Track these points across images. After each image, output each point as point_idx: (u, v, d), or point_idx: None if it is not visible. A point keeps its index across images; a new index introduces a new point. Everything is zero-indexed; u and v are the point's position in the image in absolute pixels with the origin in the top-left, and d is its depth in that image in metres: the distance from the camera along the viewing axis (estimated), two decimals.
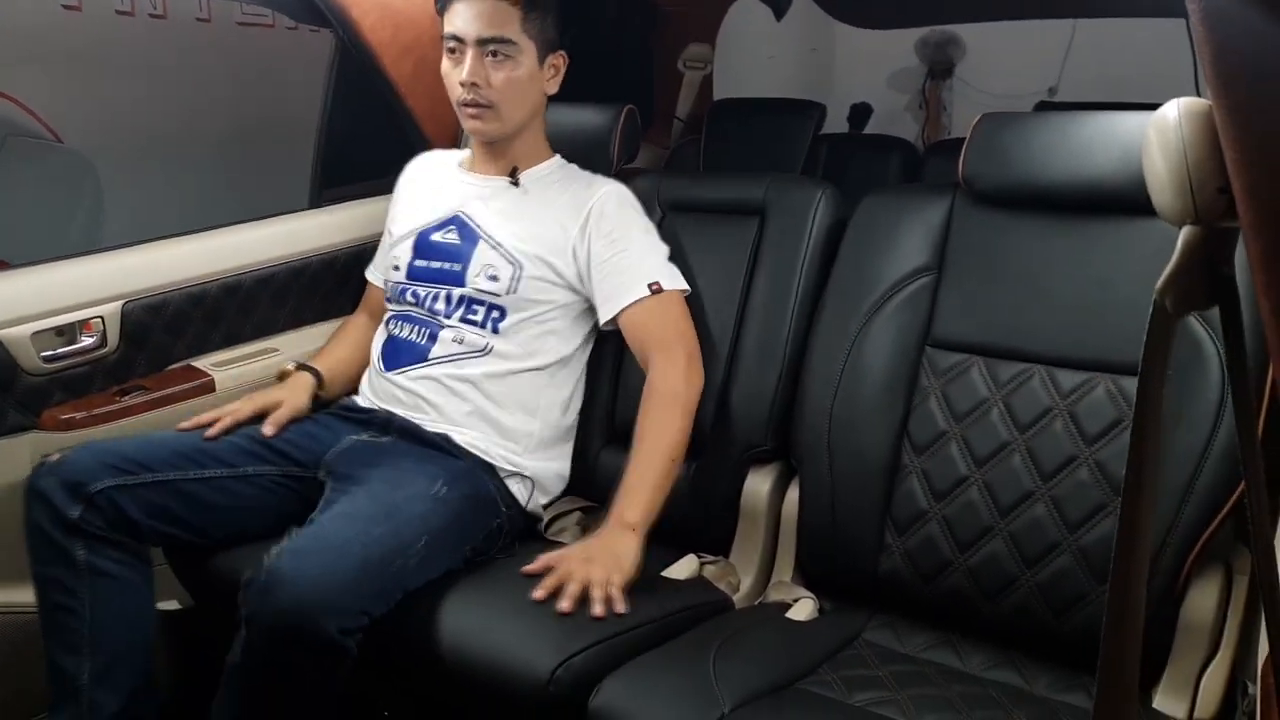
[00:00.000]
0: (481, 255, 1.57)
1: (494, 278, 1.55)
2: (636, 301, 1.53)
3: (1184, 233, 0.53)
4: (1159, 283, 0.53)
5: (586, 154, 1.74)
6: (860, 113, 4.25)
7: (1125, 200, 1.32)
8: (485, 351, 1.55)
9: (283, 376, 1.65)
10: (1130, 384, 1.28)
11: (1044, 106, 2.78)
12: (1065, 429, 1.31)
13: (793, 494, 1.52)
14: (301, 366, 1.64)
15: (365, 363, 1.66)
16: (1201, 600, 1.23)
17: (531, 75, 1.57)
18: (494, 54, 1.52)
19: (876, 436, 1.42)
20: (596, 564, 1.31)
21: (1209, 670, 1.22)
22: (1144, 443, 0.52)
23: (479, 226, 1.60)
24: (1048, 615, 1.28)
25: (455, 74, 1.54)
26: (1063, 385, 1.33)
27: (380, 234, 1.77)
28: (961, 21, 4.04)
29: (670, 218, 1.71)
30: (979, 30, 4.20)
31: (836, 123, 2.86)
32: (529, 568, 1.34)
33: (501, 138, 1.60)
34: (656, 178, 1.77)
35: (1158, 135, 0.53)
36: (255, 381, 1.68)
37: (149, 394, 1.57)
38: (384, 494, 1.34)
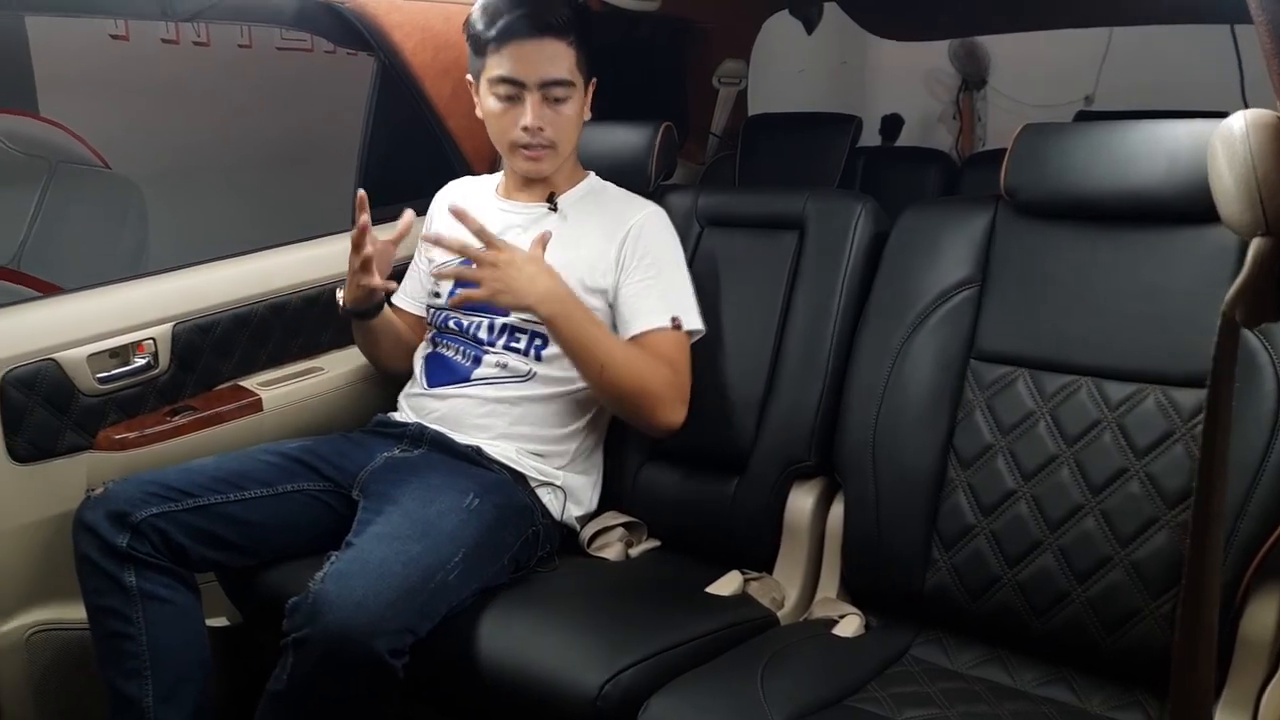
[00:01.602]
0: None
1: None
2: (656, 330, 1.53)
3: (1254, 245, 0.52)
4: (1229, 295, 0.52)
5: (624, 172, 1.75)
6: (892, 124, 4.23)
7: (1171, 209, 1.31)
8: (528, 377, 1.56)
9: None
10: (1181, 395, 1.26)
11: (1084, 116, 2.76)
12: (1114, 441, 1.29)
13: (837, 509, 1.51)
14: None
15: (401, 347, 1.69)
16: (1261, 616, 1.20)
17: (582, 108, 1.60)
18: (554, 95, 1.54)
19: (921, 450, 1.40)
20: (508, 277, 1.40)
21: (1270, 687, 1.19)
22: (1214, 456, 0.51)
23: None
24: (1100, 631, 1.26)
25: (510, 117, 1.55)
26: (1111, 397, 1.31)
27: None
28: (995, 32, 4.01)
29: (709, 232, 1.72)
30: (1012, 39, 4.17)
31: (868, 134, 2.85)
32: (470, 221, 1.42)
33: (554, 172, 1.63)
34: (694, 193, 1.78)
35: (1224, 147, 0.52)
36: (301, 400, 1.71)
37: (197, 413, 1.60)
38: (417, 511, 1.35)
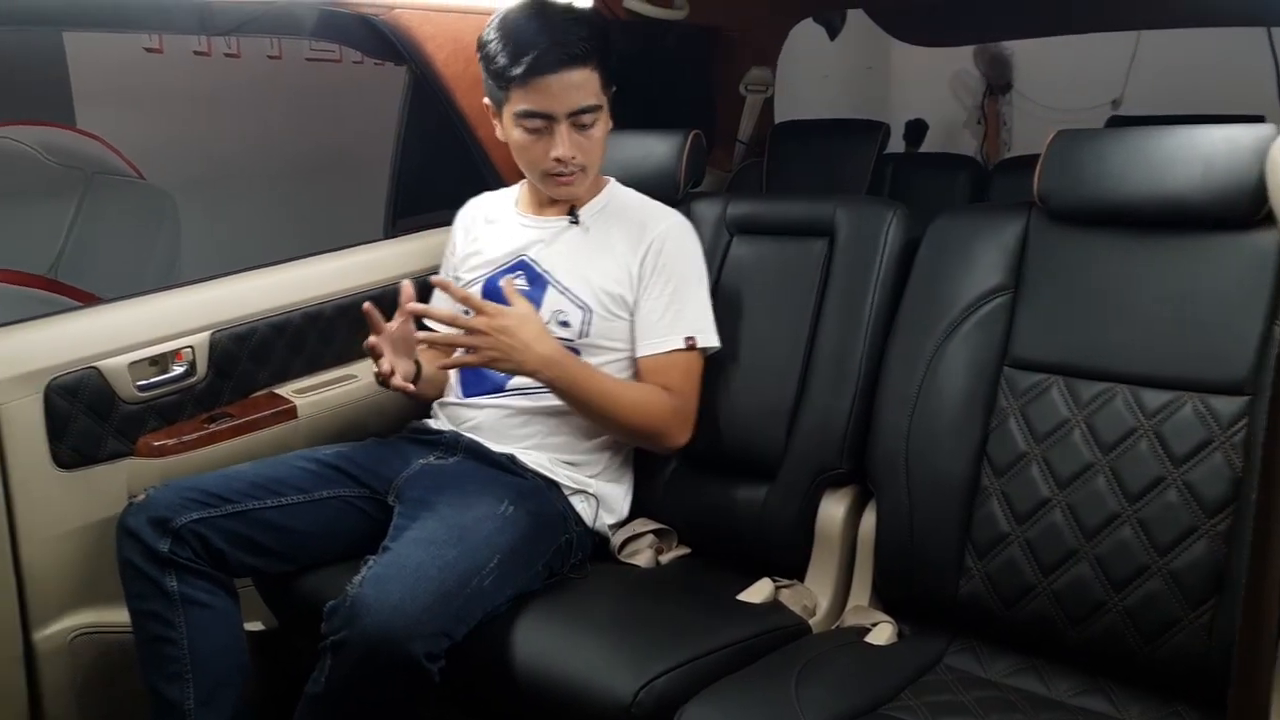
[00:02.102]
0: (551, 301, 1.58)
1: (565, 323, 1.57)
2: (669, 352, 1.55)
3: None
4: None
5: (653, 180, 1.76)
6: (916, 129, 4.23)
7: (1208, 215, 1.30)
8: None
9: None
10: (1219, 403, 1.25)
11: (1116, 120, 2.74)
12: (1151, 450, 1.28)
13: (868, 517, 1.51)
14: None
15: (438, 383, 1.68)
16: None
17: (607, 126, 1.60)
18: (583, 122, 1.54)
19: (955, 458, 1.40)
20: (504, 345, 1.41)
21: None
22: (1276, 465, 0.51)
23: (546, 272, 1.61)
24: (1138, 641, 1.25)
25: (540, 148, 1.54)
26: (1148, 404, 1.30)
27: None
28: (1021, 37, 3.99)
29: (738, 240, 1.72)
30: (1038, 43, 4.16)
31: (893, 140, 2.85)
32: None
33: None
34: (723, 200, 1.78)
35: None
36: (335, 407, 1.73)
37: (234, 420, 1.62)
38: (453, 517, 1.36)
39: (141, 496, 1.40)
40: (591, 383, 1.50)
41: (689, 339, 1.55)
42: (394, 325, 1.50)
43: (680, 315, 1.56)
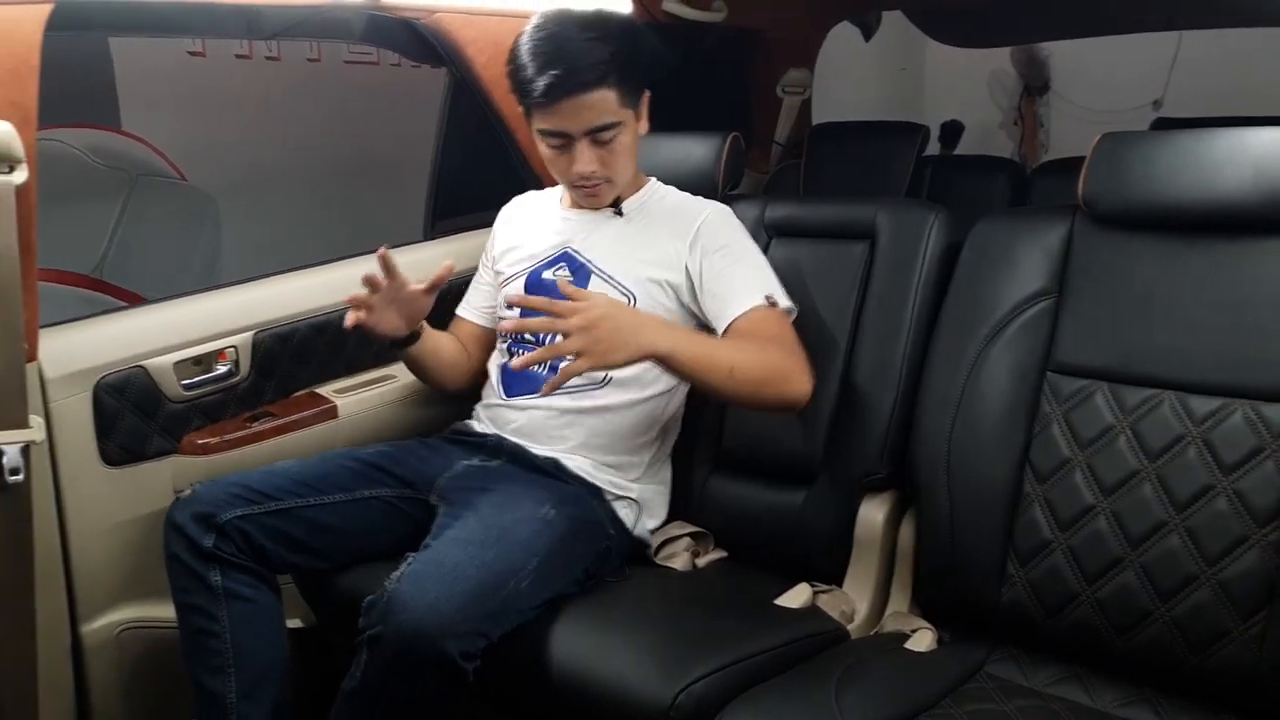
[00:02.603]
0: (595, 288, 1.58)
1: None
2: (753, 309, 1.51)
3: None
4: None
5: (691, 181, 1.75)
6: (952, 131, 4.19)
7: (1260, 219, 1.28)
8: (604, 383, 1.57)
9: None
10: (1271, 410, 1.23)
11: (1162, 123, 2.70)
12: (1200, 457, 1.26)
13: (909, 522, 1.50)
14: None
15: (456, 363, 1.70)
16: None
17: (634, 135, 1.58)
18: (602, 138, 1.53)
19: (997, 464, 1.38)
20: (593, 335, 1.25)
21: None
22: None
23: (589, 261, 1.62)
24: (1185, 652, 1.23)
25: (564, 161, 1.56)
26: (1195, 411, 1.28)
27: None
28: (1060, 38, 3.94)
29: (776, 243, 1.72)
30: (1074, 44, 4.11)
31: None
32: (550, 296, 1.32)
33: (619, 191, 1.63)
34: (762, 203, 1.77)
35: None
36: (375, 407, 1.74)
37: (276, 420, 1.64)
38: (494, 518, 1.37)
39: (188, 492, 1.42)
40: (709, 342, 1.45)
41: (768, 297, 1.52)
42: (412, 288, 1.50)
43: (751, 278, 1.54)
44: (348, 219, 3.00)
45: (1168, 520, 1.26)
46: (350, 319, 1.48)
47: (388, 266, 1.48)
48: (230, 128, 3.09)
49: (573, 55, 1.48)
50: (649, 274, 1.58)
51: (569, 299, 1.29)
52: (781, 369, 1.44)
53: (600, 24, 1.52)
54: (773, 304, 1.52)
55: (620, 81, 1.51)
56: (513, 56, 1.53)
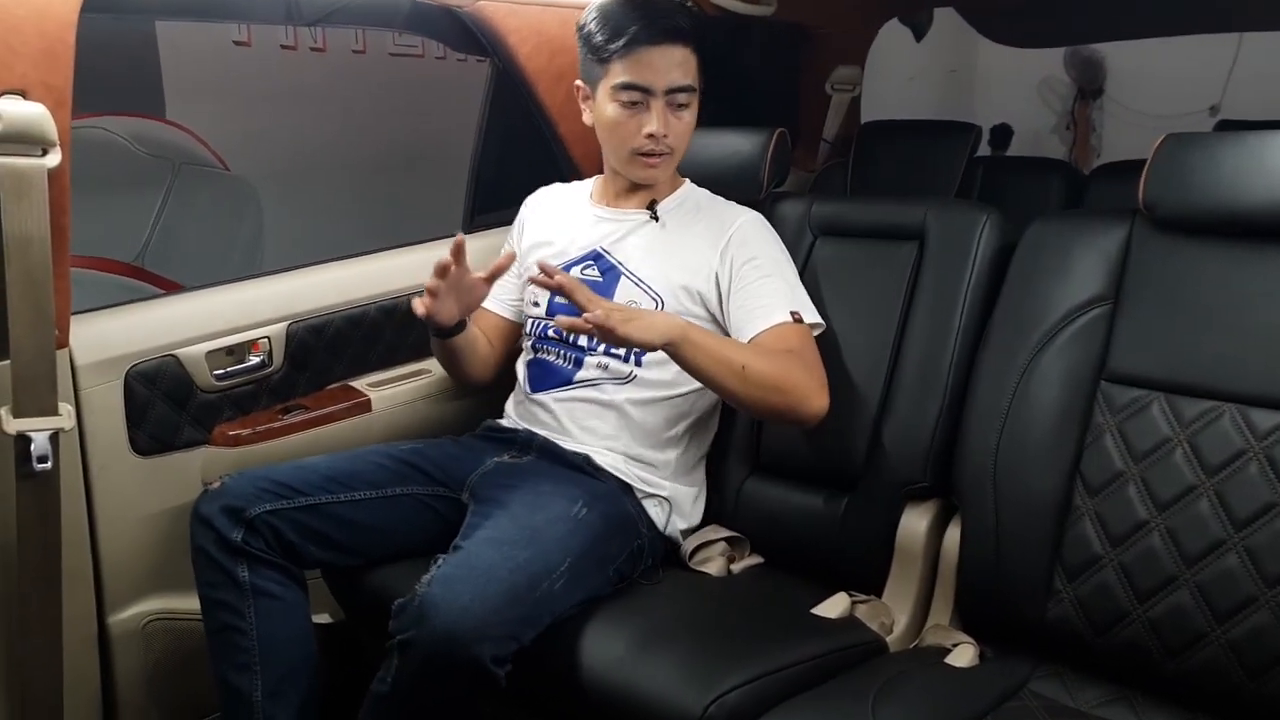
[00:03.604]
0: (624, 291, 1.57)
1: None
2: (778, 325, 1.49)
3: None
4: None
5: (736, 178, 1.72)
6: (1002, 134, 4.12)
7: None
8: (629, 379, 1.55)
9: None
10: None
11: (1226, 125, 2.61)
12: (1262, 473, 1.20)
13: (952, 533, 1.45)
14: None
15: (484, 357, 1.68)
16: None
17: (695, 118, 1.58)
18: (678, 101, 1.53)
19: (1046, 475, 1.33)
20: (621, 317, 1.31)
21: None
22: None
23: (620, 262, 1.60)
24: (1241, 676, 1.17)
25: (634, 124, 1.53)
26: (1258, 425, 1.22)
27: None
28: (1117, 39, 3.85)
29: (822, 241, 1.67)
30: (1131, 47, 4.02)
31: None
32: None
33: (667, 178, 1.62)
34: (808, 201, 1.73)
35: None
36: (409, 401, 1.72)
37: (308, 413, 1.62)
38: (525, 517, 1.35)
39: (216, 484, 1.41)
40: (725, 340, 1.45)
41: (794, 313, 1.50)
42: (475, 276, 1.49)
43: (778, 293, 1.52)
44: (391, 213, 2.99)
45: (1226, 538, 1.21)
46: (418, 305, 1.45)
47: (459, 253, 1.45)
48: (274, 118, 3.10)
49: (661, 9, 1.52)
50: (680, 281, 1.55)
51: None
52: (796, 380, 1.43)
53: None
54: (798, 320, 1.49)
55: (697, 52, 1.54)
56: (586, 21, 1.55)
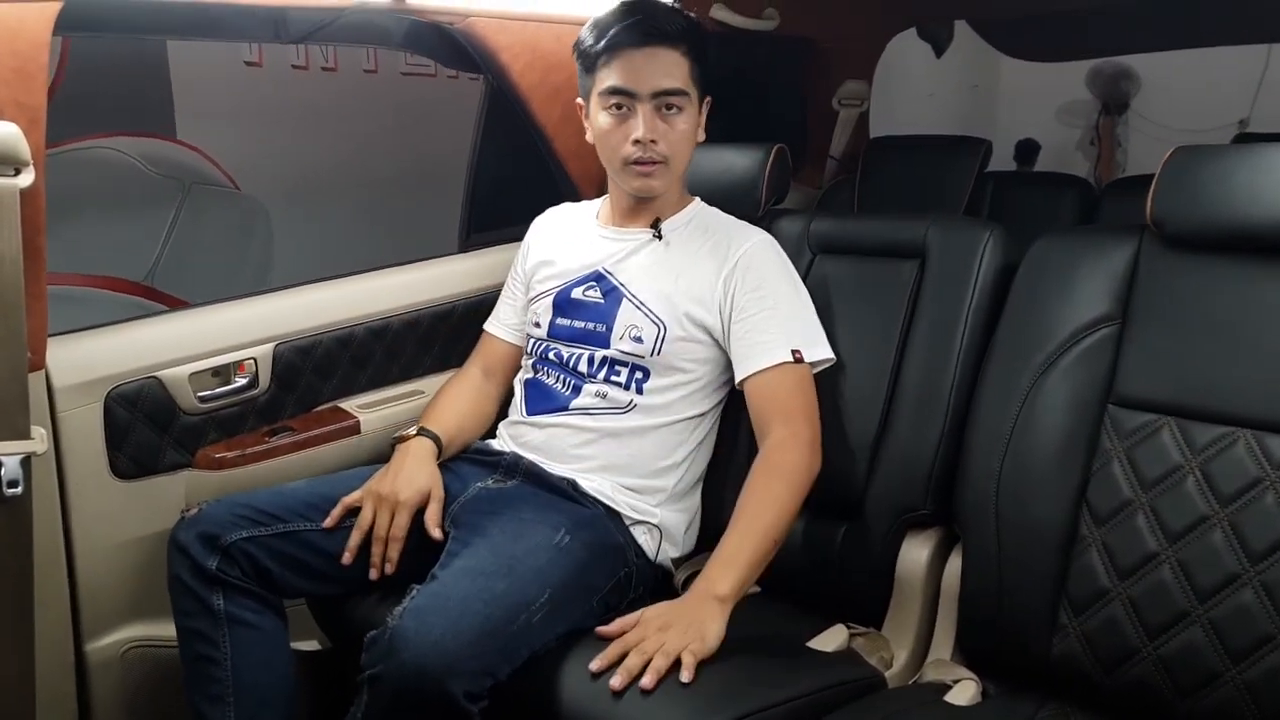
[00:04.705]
0: (625, 315, 1.51)
1: (638, 339, 1.49)
2: (775, 366, 1.44)
3: None
4: None
5: (734, 195, 1.68)
6: (1027, 150, 4.05)
7: None
8: (628, 408, 1.50)
9: (400, 440, 1.53)
10: None
11: (1245, 138, 2.55)
12: (1279, 504, 1.14)
13: (954, 563, 1.40)
14: (422, 431, 1.53)
15: (481, 426, 1.62)
16: None
17: (695, 125, 1.52)
18: (667, 106, 1.47)
19: (1051, 503, 1.28)
20: (674, 631, 1.22)
21: None
22: None
23: (622, 284, 1.54)
24: None
25: (622, 131, 1.48)
26: (1275, 453, 1.16)
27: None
28: (1142, 51, 3.80)
29: (820, 260, 1.63)
30: (1155, 60, 3.96)
31: (1000, 163, 2.71)
32: (605, 630, 1.26)
33: (666, 192, 1.55)
34: (806, 218, 1.69)
35: None
36: (400, 423, 1.68)
37: (296, 435, 1.60)
38: (505, 546, 1.31)
39: (194, 511, 1.38)
40: (758, 556, 1.33)
41: (795, 351, 1.45)
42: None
43: (781, 328, 1.46)
44: (404, 231, 2.98)
45: (1241, 573, 1.15)
46: (373, 572, 1.40)
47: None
48: (285, 138, 3.10)
49: (650, 13, 1.47)
50: (685, 305, 1.50)
51: (611, 634, 1.26)
52: (797, 488, 1.39)
53: (678, 5, 1.53)
54: (799, 360, 1.44)
55: (692, 55, 1.48)
56: (580, 33, 1.52)
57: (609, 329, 1.51)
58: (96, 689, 1.48)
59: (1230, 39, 2.90)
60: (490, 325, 1.70)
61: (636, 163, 1.49)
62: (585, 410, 1.51)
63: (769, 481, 1.38)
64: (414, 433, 1.52)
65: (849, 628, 1.41)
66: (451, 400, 1.61)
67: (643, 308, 1.51)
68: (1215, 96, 3.87)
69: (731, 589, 1.29)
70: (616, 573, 1.39)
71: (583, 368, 1.52)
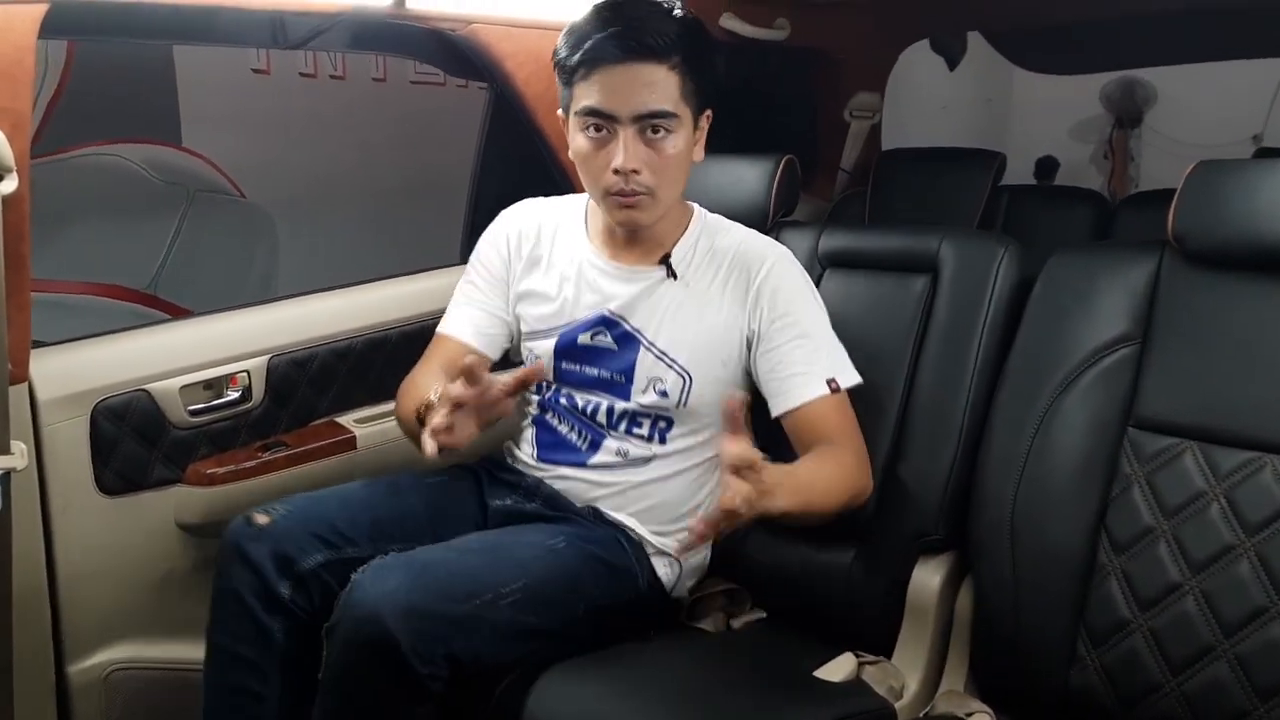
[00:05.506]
0: (645, 366, 1.39)
1: (663, 393, 1.38)
2: (817, 399, 1.34)
3: None
4: None
5: (740, 209, 1.63)
6: (1047, 167, 4.02)
7: None
8: (649, 460, 1.41)
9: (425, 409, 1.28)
10: None
11: (1264, 153, 2.50)
12: None
13: (967, 590, 1.36)
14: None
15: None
16: None
17: (688, 146, 1.35)
18: (653, 129, 1.30)
19: (1068, 529, 1.24)
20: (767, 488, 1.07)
21: None
22: None
23: (637, 330, 1.40)
24: None
25: (601, 158, 1.30)
26: None
27: None
28: (1156, 65, 3.76)
29: (830, 274, 1.58)
30: (1169, 74, 3.93)
31: (1013, 177, 2.69)
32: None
33: (654, 224, 1.39)
34: (815, 230, 1.64)
35: None
36: (398, 438, 1.64)
37: (289, 450, 1.55)
38: (495, 536, 1.28)
39: (264, 519, 1.24)
40: (812, 489, 1.22)
41: (830, 381, 1.35)
42: (485, 392, 1.22)
43: (814, 358, 1.36)
44: (410, 240, 2.95)
45: (1269, 606, 1.11)
46: (429, 447, 1.18)
47: (474, 377, 1.20)
48: (292, 146, 3.08)
49: (638, 18, 1.27)
50: (707, 351, 1.39)
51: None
52: (854, 483, 1.30)
53: (672, 7, 1.32)
54: (835, 389, 1.35)
55: (685, 68, 1.30)
56: (558, 40, 1.33)
57: (628, 380, 1.39)
58: (78, 713, 1.43)
59: (1245, 53, 2.86)
60: (454, 327, 1.47)
61: (618, 193, 1.32)
62: (606, 466, 1.41)
63: (839, 454, 1.29)
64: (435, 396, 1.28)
65: (858, 656, 1.37)
66: (432, 380, 1.38)
67: (664, 358, 1.39)
68: (1229, 111, 3.84)
69: (788, 506, 1.12)
70: (617, 594, 1.34)
71: (601, 418, 1.41)
